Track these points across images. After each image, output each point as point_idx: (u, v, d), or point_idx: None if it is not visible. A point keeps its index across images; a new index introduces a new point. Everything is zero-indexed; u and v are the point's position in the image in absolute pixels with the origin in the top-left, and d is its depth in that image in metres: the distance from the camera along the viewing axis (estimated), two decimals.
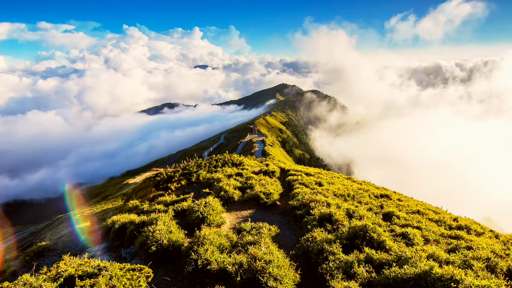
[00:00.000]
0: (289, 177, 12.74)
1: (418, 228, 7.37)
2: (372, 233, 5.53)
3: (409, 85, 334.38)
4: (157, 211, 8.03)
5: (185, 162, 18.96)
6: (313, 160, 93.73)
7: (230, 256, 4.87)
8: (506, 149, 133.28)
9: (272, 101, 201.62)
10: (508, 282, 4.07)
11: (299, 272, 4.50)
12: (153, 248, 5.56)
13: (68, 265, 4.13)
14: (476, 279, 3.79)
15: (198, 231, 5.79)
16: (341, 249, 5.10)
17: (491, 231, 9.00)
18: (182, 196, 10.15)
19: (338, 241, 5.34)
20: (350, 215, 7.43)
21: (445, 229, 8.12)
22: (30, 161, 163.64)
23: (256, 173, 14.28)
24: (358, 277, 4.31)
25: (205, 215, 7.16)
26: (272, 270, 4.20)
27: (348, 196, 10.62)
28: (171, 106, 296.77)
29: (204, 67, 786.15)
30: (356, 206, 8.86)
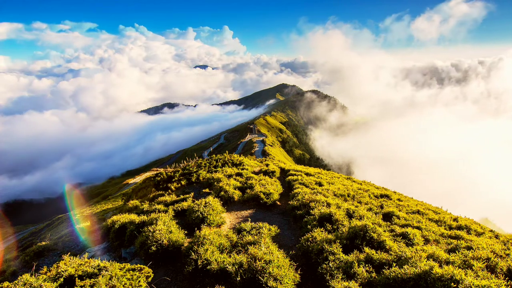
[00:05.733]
0: (289, 177, 12.74)
1: (418, 228, 7.37)
2: (372, 233, 5.53)
3: (404, 85, 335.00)
4: (157, 211, 8.03)
5: (185, 162, 18.97)
6: (313, 160, 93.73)
7: (230, 256, 4.87)
8: (505, 149, 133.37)
9: (272, 101, 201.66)
10: (508, 282, 4.07)
11: (299, 272, 4.50)
12: (153, 248, 5.56)
13: (68, 265, 4.13)
14: (476, 279, 3.79)
15: (198, 231, 5.78)
16: (341, 249, 5.09)
17: (491, 231, 9.00)
18: (182, 196, 10.15)
19: (338, 241, 5.34)
20: (350, 215, 7.44)
21: (445, 229, 8.12)
22: (29, 161, 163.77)
23: (256, 173, 14.28)
24: (358, 277, 4.31)
25: (205, 215, 7.16)
26: (272, 270, 4.20)
27: (348, 196, 10.62)
28: (171, 106, 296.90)
29: (204, 67, 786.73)
30: (356, 206, 8.87)
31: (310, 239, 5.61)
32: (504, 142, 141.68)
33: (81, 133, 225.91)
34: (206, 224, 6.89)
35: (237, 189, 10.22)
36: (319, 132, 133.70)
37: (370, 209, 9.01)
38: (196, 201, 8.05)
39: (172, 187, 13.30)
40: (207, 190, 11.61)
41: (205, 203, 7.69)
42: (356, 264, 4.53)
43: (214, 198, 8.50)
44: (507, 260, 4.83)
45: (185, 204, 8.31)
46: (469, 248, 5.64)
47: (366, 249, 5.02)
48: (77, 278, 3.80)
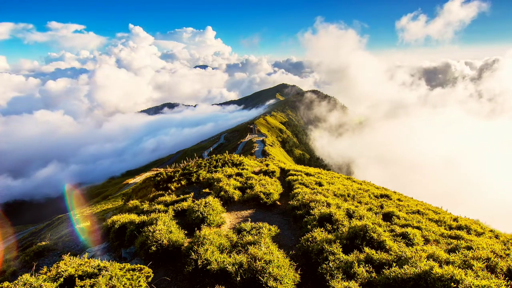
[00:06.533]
0: (289, 177, 12.74)
1: (418, 228, 7.37)
2: (372, 233, 5.53)
3: (419, 84, 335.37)
4: (157, 211, 8.03)
5: (185, 162, 18.97)
6: (313, 160, 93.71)
7: (230, 256, 4.87)
8: (505, 149, 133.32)
9: (272, 101, 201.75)
10: (508, 282, 4.06)
11: (299, 272, 4.50)
12: (153, 248, 5.56)
13: (68, 265, 4.13)
14: (476, 279, 3.79)
15: (198, 231, 5.78)
16: (341, 249, 5.09)
17: (491, 231, 8.99)
18: (182, 196, 10.15)
19: (338, 241, 5.34)
20: (350, 215, 7.43)
21: (445, 229, 8.12)
22: (29, 161, 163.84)
23: (256, 173, 14.28)
24: (358, 277, 4.31)
25: (205, 215, 7.16)
26: (272, 270, 4.20)
27: (348, 196, 10.62)
28: (171, 106, 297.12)
29: (204, 67, 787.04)
30: (356, 206, 8.87)
31: (310, 239, 5.61)
32: (504, 142, 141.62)
33: (81, 134, 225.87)
34: (206, 224, 6.88)
35: (237, 189, 10.22)
36: (319, 132, 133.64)
37: (370, 209, 9.01)
38: (196, 201, 8.05)
39: (172, 187, 13.30)
40: (207, 190, 11.61)
41: (205, 203, 7.69)
42: (356, 264, 4.53)
43: (214, 198, 8.49)
44: (507, 260, 4.83)
45: (185, 204, 8.31)
46: (469, 248, 5.64)
47: (366, 249, 5.01)
48: (77, 278, 3.80)
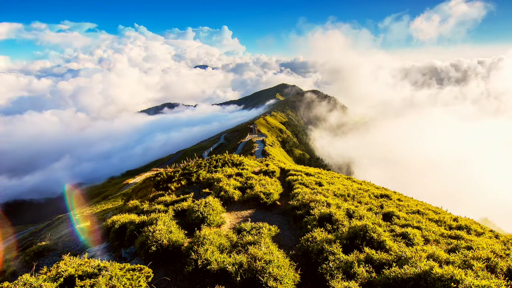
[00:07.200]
0: (289, 177, 12.74)
1: (418, 228, 7.37)
2: (372, 233, 5.53)
3: (404, 85, 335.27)
4: (157, 211, 8.03)
5: (185, 162, 18.97)
6: (313, 160, 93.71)
7: (230, 256, 4.87)
8: (505, 149, 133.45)
9: (272, 101, 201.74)
10: (508, 282, 4.06)
11: (299, 272, 4.50)
12: (153, 248, 5.56)
13: (68, 265, 4.13)
14: (476, 279, 3.79)
15: (198, 231, 5.79)
16: (341, 249, 5.09)
17: (491, 231, 9.00)
18: (182, 196, 10.15)
19: (338, 241, 5.34)
20: (350, 215, 7.44)
21: (445, 229, 8.12)
22: (29, 161, 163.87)
23: (256, 173, 14.28)
24: (358, 277, 4.31)
25: (205, 215, 7.16)
26: (272, 270, 4.20)
27: (348, 196, 10.62)
28: (171, 106, 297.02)
29: (204, 67, 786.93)
30: (356, 206, 8.87)
31: (310, 239, 5.61)
32: (504, 142, 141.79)
33: (81, 133, 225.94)
34: (206, 224, 6.89)
35: (237, 189, 10.22)
36: (319, 132, 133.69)
37: (370, 209, 9.01)
38: (196, 201, 8.05)
39: (172, 187, 13.30)
40: (207, 190, 11.61)
41: (205, 203, 7.69)
42: (356, 264, 4.53)
43: (214, 198, 8.49)
44: (507, 260, 4.83)
45: (185, 204, 8.31)
46: (469, 248, 5.64)
47: (366, 249, 5.02)
48: (77, 278, 3.80)
